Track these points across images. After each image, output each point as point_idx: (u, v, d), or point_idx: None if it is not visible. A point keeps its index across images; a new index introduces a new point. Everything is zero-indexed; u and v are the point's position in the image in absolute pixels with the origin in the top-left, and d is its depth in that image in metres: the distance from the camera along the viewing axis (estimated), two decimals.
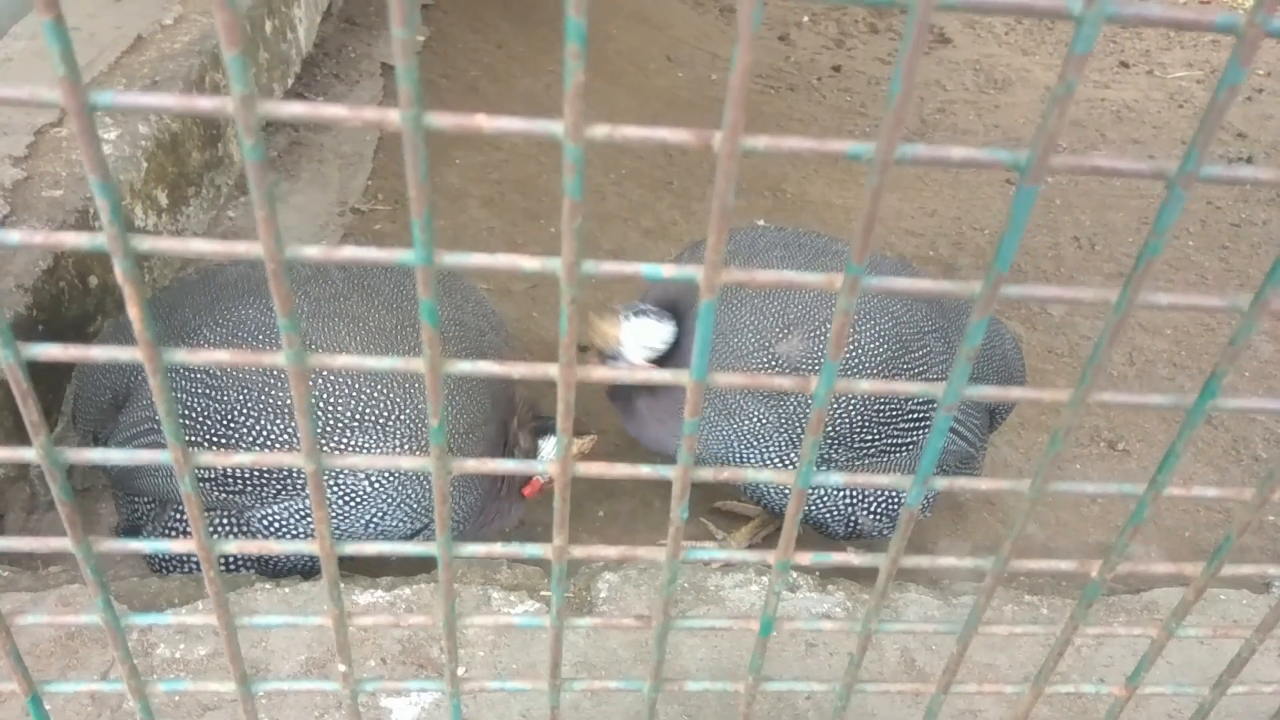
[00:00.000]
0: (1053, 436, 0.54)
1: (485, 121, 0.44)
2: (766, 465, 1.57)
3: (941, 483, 0.57)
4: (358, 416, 1.38)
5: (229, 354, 0.50)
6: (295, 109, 0.43)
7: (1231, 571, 0.65)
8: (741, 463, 1.58)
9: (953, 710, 1.22)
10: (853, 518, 1.65)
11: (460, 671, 1.16)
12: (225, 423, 1.37)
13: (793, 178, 3.15)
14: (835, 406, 1.54)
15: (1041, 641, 1.41)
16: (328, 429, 1.37)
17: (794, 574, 1.38)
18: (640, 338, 1.61)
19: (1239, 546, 1.97)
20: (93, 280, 1.80)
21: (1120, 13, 0.40)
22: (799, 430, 1.56)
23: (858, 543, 1.78)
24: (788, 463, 1.56)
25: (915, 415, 1.61)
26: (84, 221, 1.76)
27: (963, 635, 0.66)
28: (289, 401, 1.39)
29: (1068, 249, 2.92)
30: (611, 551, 0.62)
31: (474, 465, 0.57)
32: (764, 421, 1.56)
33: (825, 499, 1.62)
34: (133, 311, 0.48)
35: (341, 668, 0.64)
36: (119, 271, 0.47)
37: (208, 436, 1.37)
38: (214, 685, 0.66)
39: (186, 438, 1.41)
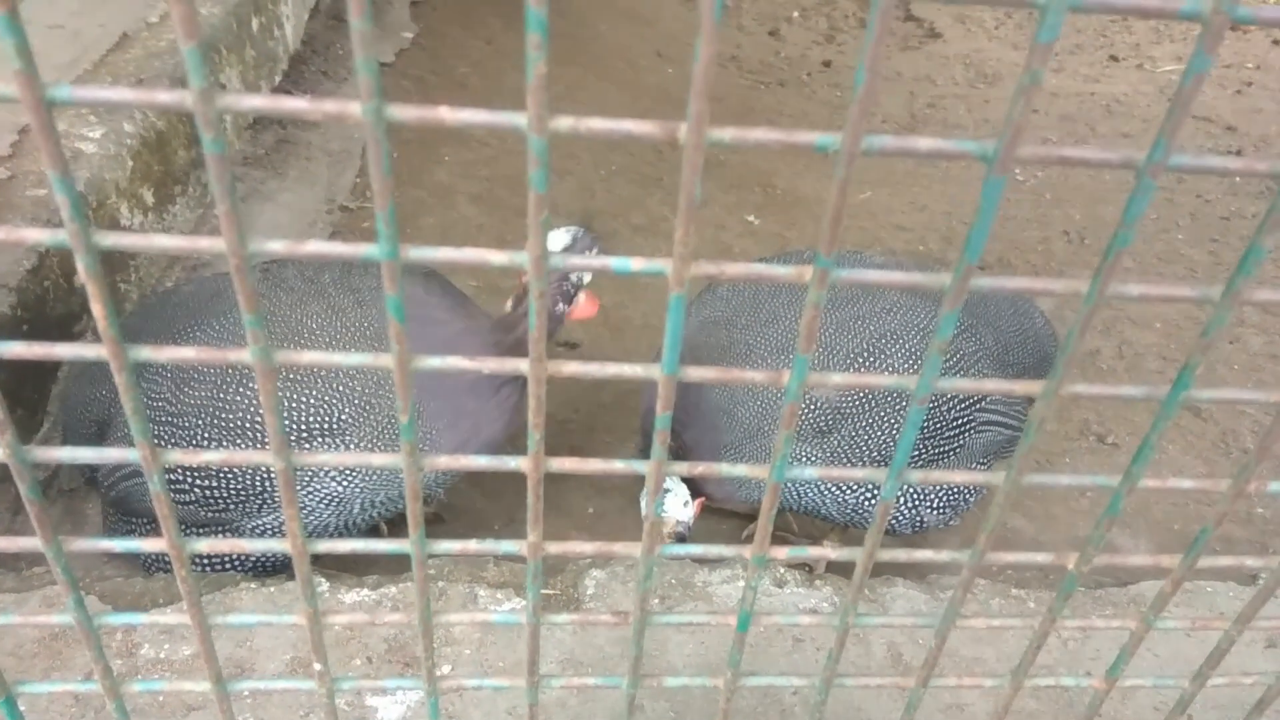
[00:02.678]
0: (1026, 428, 0.53)
1: (448, 114, 0.43)
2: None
3: (916, 475, 0.57)
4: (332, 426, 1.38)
5: (194, 351, 0.49)
6: (255, 102, 0.43)
7: (1210, 563, 0.65)
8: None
9: (940, 704, 1.22)
10: (919, 518, 1.65)
11: (446, 669, 1.15)
12: (190, 447, 1.38)
13: (783, 173, 3.14)
14: (883, 441, 1.55)
15: (1024, 634, 1.41)
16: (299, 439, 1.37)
17: (781, 569, 1.38)
18: (678, 506, 1.65)
19: (1227, 538, 1.97)
20: (78, 280, 1.79)
21: (1084, 1, 0.40)
22: (841, 448, 1.55)
23: (899, 539, 1.78)
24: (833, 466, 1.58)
25: (960, 422, 1.60)
26: None
27: (940, 628, 0.66)
28: (250, 422, 1.38)
29: (1057, 243, 2.92)
30: (588, 547, 0.61)
31: (447, 461, 0.56)
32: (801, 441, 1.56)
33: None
34: (96, 309, 0.48)
35: (316, 666, 0.64)
36: (81, 268, 0.47)
37: (175, 465, 1.38)
38: (189, 685, 0.65)
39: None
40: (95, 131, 1.94)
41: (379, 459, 0.55)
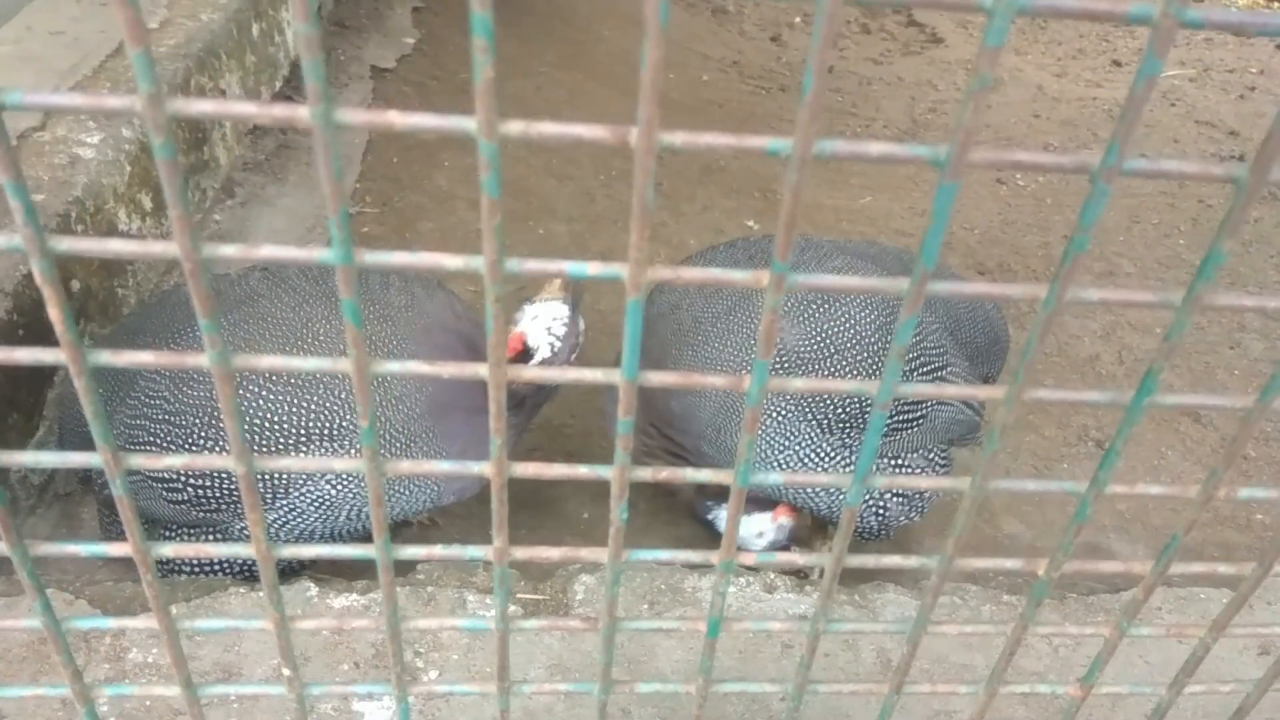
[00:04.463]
0: (989, 435, 0.53)
1: (397, 118, 0.43)
2: (802, 460, 1.55)
3: (881, 480, 0.57)
4: (318, 430, 1.38)
5: (152, 355, 0.49)
6: (204, 106, 0.43)
7: (1182, 570, 0.64)
8: (773, 464, 1.55)
9: (929, 710, 1.21)
10: (883, 507, 1.64)
11: (434, 674, 1.15)
12: (187, 446, 1.38)
13: (783, 178, 3.14)
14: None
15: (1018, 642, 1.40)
16: (283, 445, 1.37)
17: (772, 574, 1.38)
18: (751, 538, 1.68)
19: (1225, 544, 1.96)
20: (74, 284, 1.80)
21: (1032, 5, 0.39)
22: (824, 415, 1.54)
23: (880, 543, 1.77)
24: (819, 452, 1.54)
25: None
26: (66, 225, 1.76)
27: (912, 634, 0.65)
28: (248, 422, 1.38)
29: (1058, 248, 2.91)
30: (554, 553, 0.61)
31: (409, 467, 0.56)
32: (781, 415, 1.55)
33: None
34: (53, 314, 0.48)
35: (285, 671, 0.64)
36: (37, 273, 0.47)
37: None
38: (159, 690, 0.65)
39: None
40: (94, 137, 1.95)
41: (341, 464, 0.55)
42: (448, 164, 2.86)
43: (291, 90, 3.00)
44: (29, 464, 0.55)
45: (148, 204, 2.07)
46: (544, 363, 1.55)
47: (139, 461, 0.54)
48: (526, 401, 1.59)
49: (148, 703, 1.17)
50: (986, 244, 2.88)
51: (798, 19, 4.27)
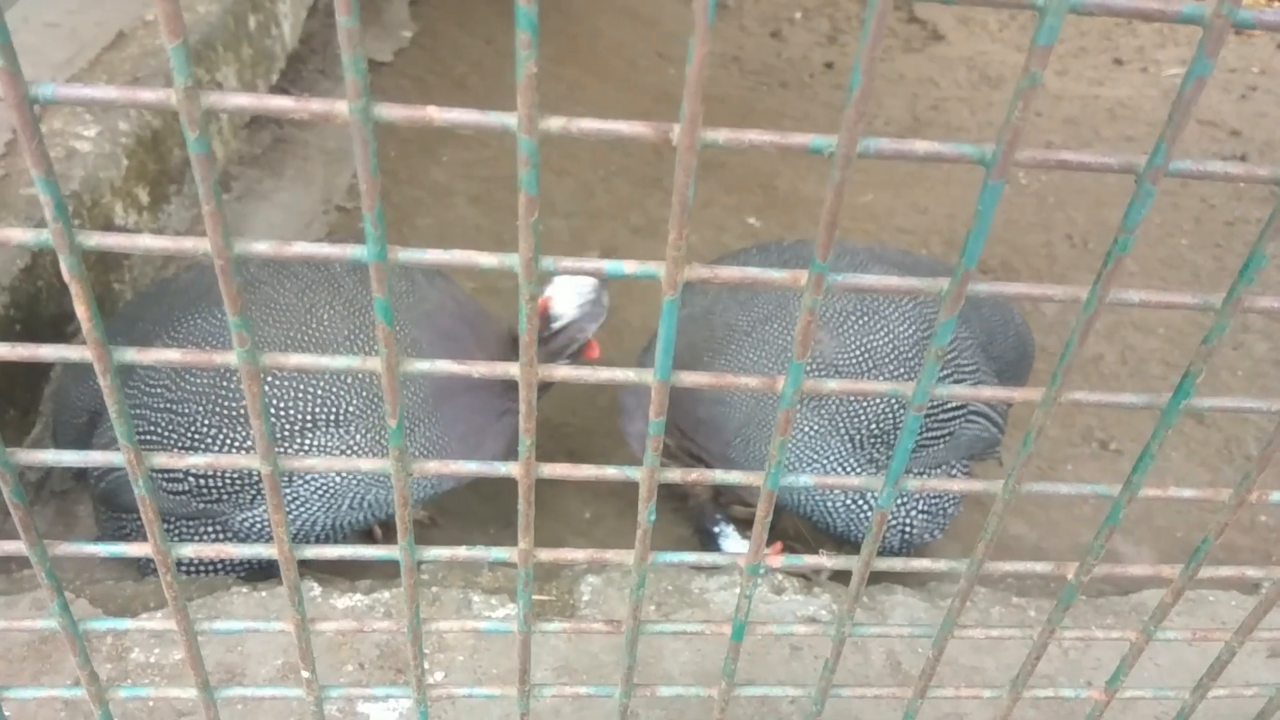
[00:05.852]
0: (1025, 437, 0.53)
1: (436, 113, 0.43)
2: (830, 474, 1.55)
3: (914, 483, 0.56)
4: (320, 416, 1.37)
5: (179, 353, 0.49)
6: (240, 100, 0.42)
7: (1211, 573, 0.64)
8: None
9: (938, 713, 1.21)
10: (909, 525, 1.62)
11: (439, 676, 1.14)
12: (189, 435, 1.36)
13: (785, 175, 3.13)
14: (875, 405, 1.53)
15: (1024, 643, 1.40)
16: (288, 430, 1.36)
17: (779, 576, 1.37)
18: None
19: (1230, 546, 1.96)
20: None
21: (1083, 2, 0.39)
22: (857, 431, 1.53)
23: (901, 553, 1.76)
24: (848, 468, 1.54)
25: (953, 406, 1.59)
26: None
27: (938, 638, 0.65)
28: (246, 410, 1.37)
29: (1061, 247, 2.91)
30: (580, 554, 0.60)
31: (436, 467, 0.55)
32: (813, 430, 1.54)
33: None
34: (80, 311, 0.47)
35: (305, 674, 0.63)
36: (65, 269, 0.46)
37: (172, 450, 1.36)
38: (176, 691, 0.64)
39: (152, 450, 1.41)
40: (90, 130, 1.93)
41: (366, 464, 0.54)
42: (446, 159, 2.85)
43: (287, 83, 2.98)
44: (50, 462, 0.54)
45: (144, 198, 2.06)
46: (564, 328, 1.54)
47: (161, 460, 0.53)
48: None
49: (150, 703, 1.16)
50: (989, 243, 2.88)
51: (798, 14, 4.26)
